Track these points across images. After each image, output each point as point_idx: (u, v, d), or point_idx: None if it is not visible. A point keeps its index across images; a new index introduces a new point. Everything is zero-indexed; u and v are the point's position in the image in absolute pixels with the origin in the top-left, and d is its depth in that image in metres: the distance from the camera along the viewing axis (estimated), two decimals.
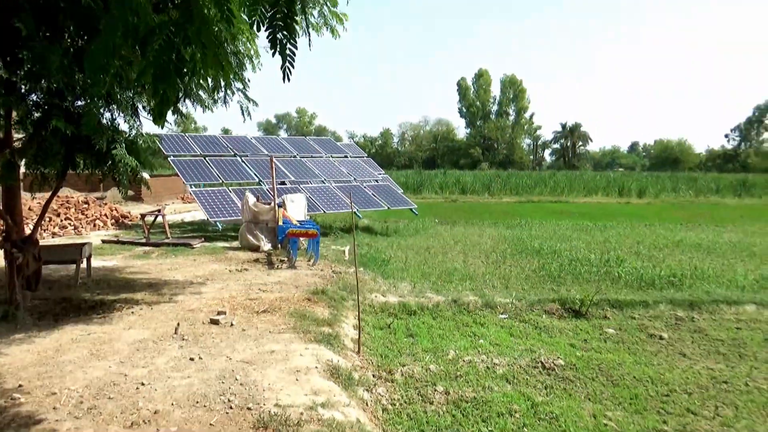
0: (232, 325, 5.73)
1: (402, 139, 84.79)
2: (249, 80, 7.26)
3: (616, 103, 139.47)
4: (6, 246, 6.05)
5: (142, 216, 12.59)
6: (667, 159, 78.03)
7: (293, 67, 2.53)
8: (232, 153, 15.48)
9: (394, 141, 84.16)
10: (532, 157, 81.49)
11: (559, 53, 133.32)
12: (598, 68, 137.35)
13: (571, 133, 77.49)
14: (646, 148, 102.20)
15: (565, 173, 47.58)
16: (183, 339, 5.26)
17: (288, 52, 2.47)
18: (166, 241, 11.62)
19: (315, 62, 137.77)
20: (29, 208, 13.21)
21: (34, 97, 5.43)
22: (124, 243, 11.69)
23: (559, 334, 6.59)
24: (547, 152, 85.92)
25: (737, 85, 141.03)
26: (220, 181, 14.04)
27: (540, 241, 13.12)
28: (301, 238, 9.86)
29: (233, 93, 7.12)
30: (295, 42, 2.52)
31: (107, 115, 5.71)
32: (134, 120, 6.00)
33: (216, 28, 2.51)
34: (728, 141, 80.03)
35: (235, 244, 11.59)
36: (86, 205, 15.36)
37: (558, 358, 5.60)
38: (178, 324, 5.60)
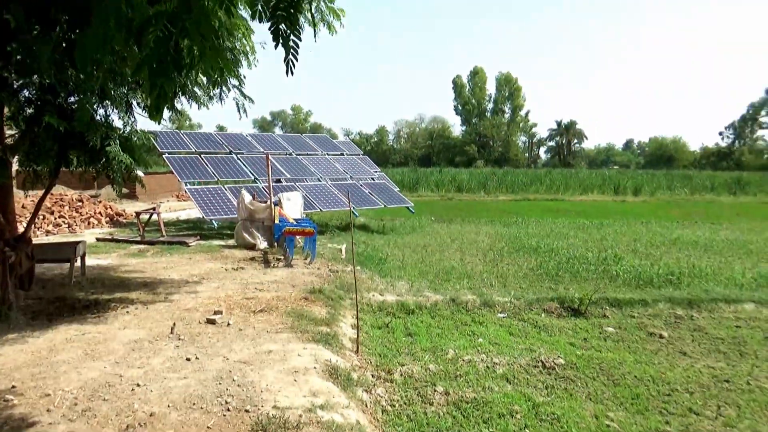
0: (228, 324, 5.65)
1: (397, 136, 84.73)
2: (245, 77, 7.19)
3: (611, 101, 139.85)
4: None
5: (137, 214, 12.48)
6: (662, 157, 78.28)
7: (296, 59, 2.45)
8: (228, 150, 15.38)
9: (389, 138, 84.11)
10: (527, 154, 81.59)
11: (555, 51, 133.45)
12: (594, 66, 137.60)
13: (567, 131, 77.61)
14: (641, 146, 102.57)
15: (561, 171, 47.66)
16: (179, 339, 5.18)
17: (291, 44, 2.39)
18: (162, 239, 11.52)
19: (310, 59, 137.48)
20: (23, 206, 13.07)
21: (26, 92, 5.33)
22: (118, 241, 11.58)
23: (558, 332, 6.55)
24: (542, 150, 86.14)
25: (732, 82, 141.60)
26: (216, 179, 13.93)
27: (537, 239, 13.10)
28: (298, 237, 9.78)
29: (229, 90, 7.02)
30: (299, 33, 2.44)
31: (101, 111, 5.62)
32: (128, 116, 5.90)
33: (215, 21, 2.42)
34: (722, 139, 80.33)
35: (231, 242, 11.50)
36: (80, 203, 15.22)
37: (558, 357, 5.56)
38: (174, 324, 5.53)
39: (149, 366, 4.48)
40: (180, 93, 5.58)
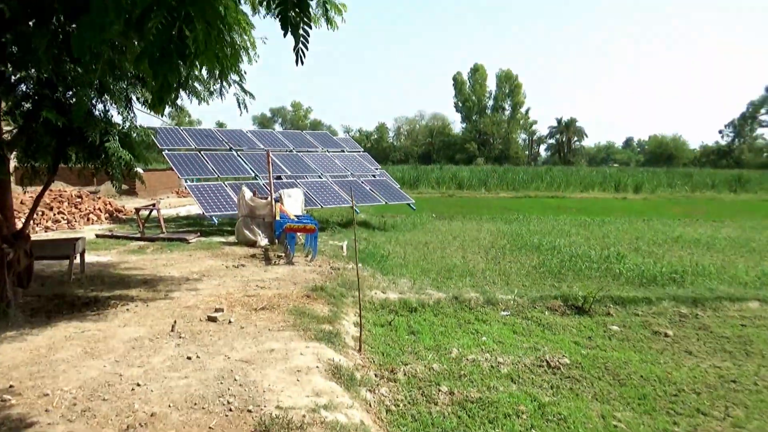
0: (230, 322, 5.58)
1: (397, 133, 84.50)
2: (245, 72, 7.10)
3: (611, 99, 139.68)
4: None
5: (137, 210, 12.39)
6: (662, 155, 78.09)
7: (307, 48, 2.35)
8: (228, 147, 15.29)
9: (389, 136, 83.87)
10: (527, 152, 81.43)
11: (555, 49, 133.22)
12: (594, 64, 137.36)
13: (567, 129, 77.41)
14: (641, 144, 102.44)
15: (562, 168, 47.56)
16: (180, 337, 5.11)
17: (301, 32, 2.28)
18: (161, 235, 11.44)
19: (310, 56, 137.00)
20: (21, 202, 12.99)
21: (23, 87, 5.24)
22: (118, 237, 11.50)
23: (562, 331, 6.49)
24: (542, 148, 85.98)
25: (732, 81, 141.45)
26: (216, 176, 13.85)
27: (539, 237, 13.03)
28: (299, 234, 9.71)
29: (230, 85, 6.94)
30: (309, 20, 2.33)
31: (100, 106, 5.52)
32: (128, 112, 5.81)
33: (221, 8, 2.31)
34: (722, 137, 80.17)
35: (231, 239, 11.43)
36: (80, 199, 15.13)
37: (563, 356, 5.49)
38: (175, 321, 5.46)
39: (150, 365, 4.41)
40: (185, 83, 5.45)
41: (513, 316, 7.00)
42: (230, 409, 3.64)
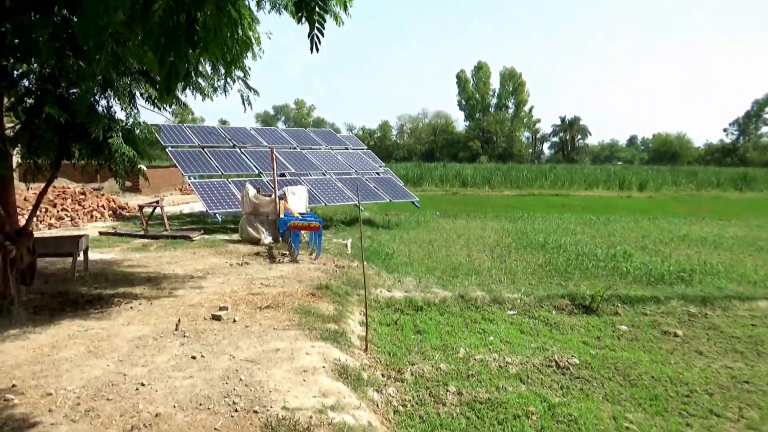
0: (234, 321, 5.52)
1: (401, 131, 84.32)
2: (250, 68, 7.03)
3: (614, 97, 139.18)
4: None
5: (140, 207, 12.35)
6: (666, 153, 77.76)
7: (322, 34, 2.26)
8: (231, 144, 15.22)
9: (392, 133, 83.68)
10: (530, 150, 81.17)
11: (559, 47, 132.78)
12: (598, 62, 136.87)
13: (570, 127, 77.13)
14: (645, 142, 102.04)
15: (566, 167, 47.40)
16: (184, 336, 5.05)
17: (317, 17, 2.19)
18: (165, 233, 11.39)
19: (313, 54, 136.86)
20: (24, 199, 12.94)
21: (26, 82, 5.18)
22: (122, 235, 11.45)
23: (570, 330, 6.42)
24: (545, 146, 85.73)
25: (736, 79, 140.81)
26: (219, 173, 13.78)
27: (544, 235, 12.94)
28: (303, 231, 9.64)
29: (234, 81, 6.87)
30: (326, 4, 2.23)
31: (103, 102, 5.47)
32: (131, 108, 5.74)
33: None
34: (727, 135, 79.80)
35: (235, 236, 11.37)
36: (83, 196, 15.09)
37: (572, 356, 5.42)
38: (179, 320, 5.39)
39: (154, 364, 4.35)
40: (192, 73, 5.31)
41: (520, 315, 6.92)
42: (236, 410, 3.58)
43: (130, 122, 5.84)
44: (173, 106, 7.17)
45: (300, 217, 9.95)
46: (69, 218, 13.36)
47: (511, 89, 76.20)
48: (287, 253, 9.37)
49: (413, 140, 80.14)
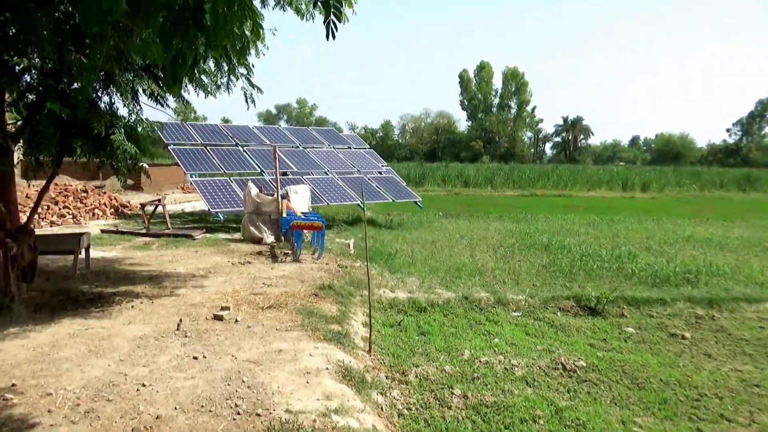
0: (236, 321, 5.45)
1: (403, 131, 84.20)
2: (253, 66, 6.96)
3: (617, 97, 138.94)
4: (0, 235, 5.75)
5: (142, 205, 12.29)
6: (669, 153, 77.60)
7: (339, 20, 2.17)
8: (234, 142, 15.15)
9: (394, 133, 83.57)
10: (533, 150, 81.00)
11: (562, 46, 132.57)
12: (600, 62, 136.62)
13: (573, 127, 77.00)
14: (647, 142, 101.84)
15: (568, 167, 47.25)
16: (186, 335, 4.99)
17: (332, 1, 2.10)
18: (167, 231, 11.33)
19: (316, 53, 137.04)
20: (26, 196, 12.90)
21: (27, 77, 5.12)
22: (123, 233, 11.40)
23: (576, 332, 6.34)
24: (548, 146, 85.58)
25: (739, 79, 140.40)
26: (222, 171, 13.72)
27: (548, 236, 12.86)
28: (306, 231, 9.58)
29: (237, 78, 6.81)
30: None
31: (105, 98, 5.40)
32: (134, 105, 5.68)
33: None
34: (730, 135, 79.63)
35: (237, 235, 11.31)
36: (85, 194, 15.05)
37: (579, 359, 5.34)
38: (181, 320, 5.33)
39: (155, 364, 4.29)
40: (201, 61, 5.13)
41: (524, 316, 6.85)
42: (238, 413, 3.51)
43: (133, 119, 5.78)
44: (176, 104, 7.10)
45: (303, 217, 9.88)
46: (71, 216, 13.31)
47: (513, 89, 76.06)
48: (289, 252, 9.30)
49: (415, 140, 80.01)
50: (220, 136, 15.29)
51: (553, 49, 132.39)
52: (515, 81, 75.77)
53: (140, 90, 5.64)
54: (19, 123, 5.52)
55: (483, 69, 76.47)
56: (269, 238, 10.70)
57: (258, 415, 3.49)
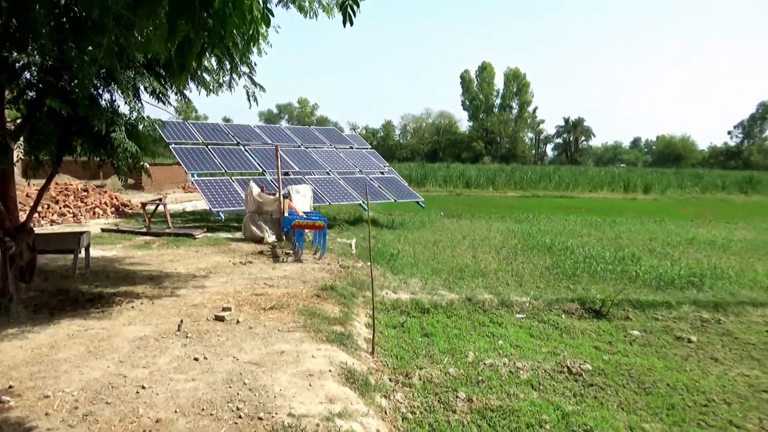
0: (238, 322, 5.39)
1: (404, 131, 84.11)
2: (255, 64, 6.90)
3: (618, 99, 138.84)
4: None
5: (143, 205, 12.24)
6: (670, 155, 77.48)
7: (357, 6, 2.09)
8: (235, 142, 15.09)
9: (395, 133, 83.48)
10: (534, 151, 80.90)
11: (564, 48, 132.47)
12: (602, 63, 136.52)
13: (574, 128, 76.89)
14: (648, 144, 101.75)
15: (570, 168, 47.17)
16: (186, 336, 4.92)
17: None
18: (168, 231, 11.27)
19: (317, 52, 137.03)
20: (27, 195, 12.84)
21: (27, 74, 5.05)
22: (124, 232, 11.34)
23: (581, 335, 6.27)
24: (549, 147, 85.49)
25: (741, 81, 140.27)
26: (223, 170, 13.65)
27: (550, 237, 12.78)
28: (307, 231, 9.51)
29: (239, 77, 6.75)
30: None
31: (106, 96, 5.34)
32: (135, 102, 5.61)
33: None
34: (731, 138, 79.52)
35: (238, 235, 11.25)
36: (85, 193, 14.99)
37: (584, 362, 5.27)
38: (181, 320, 5.27)
39: (155, 366, 4.22)
40: (208, 50, 4.99)
41: (529, 318, 6.78)
42: (240, 416, 3.44)
43: (134, 117, 5.71)
44: (177, 103, 7.04)
45: (304, 216, 9.82)
46: (71, 215, 13.26)
47: (515, 90, 76.00)
48: (291, 252, 9.23)
49: (416, 140, 79.92)
50: (221, 135, 15.22)
51: (554, 50, 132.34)
52: (517, 82, 75.69)
53: (142, 87, 5.57)
54: (18, 121, 5.45)
55: (485, 69, 76.40)
56: (270, 238, 10.64)
57: (260, 418, 3.42)
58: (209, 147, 14.29)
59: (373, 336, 5.30)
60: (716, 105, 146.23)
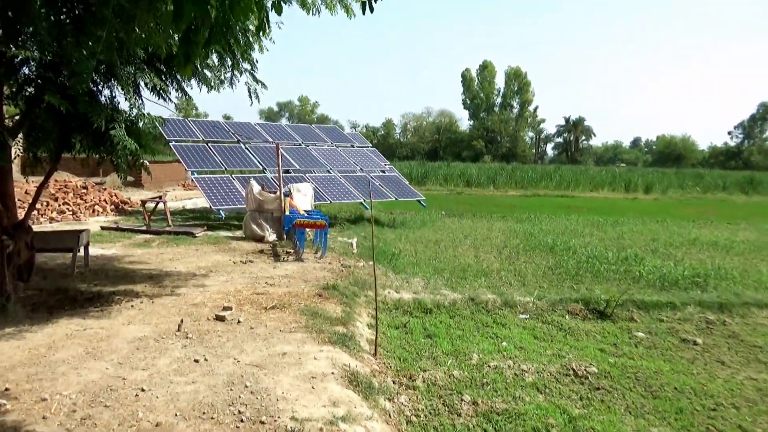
0: (239, 322, 5.31)
1: (404, 130, 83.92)
2: (257, 61, 6.81)
3: (619, 98, 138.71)
4: None
5: (143, 202, 12.15)
6: (670, 155, 77.36)
7: None
8: (236, 139, 14.99)
9: (396, 132, 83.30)
10: (534, 150, 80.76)
11: (565, 47, 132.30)
12: (603, 63, 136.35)
13: (575, 127, 76.74)
14: (649, 144, 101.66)
15: (570, 168, 47.05)
16: (186, 337, 4.85)
17: None
18: (168, 229, 11.18)
19: (318, 51, 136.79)
20: (26, 192, 12.76)
21: (26, 70, 4.97)
22: (123, 230, 11.25)
23: (585, 336, 6.20)
24: (549, 146, 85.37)
25: (741, 81, 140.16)
26: (223, 168, 13.55)
27: (552, 237, 12.71)
28: (308, 230, 9.43)
29: (241, 73, 6.66)
30: None
31: (106, 92, 5.25)
32: (136, 99, 5.52)
33: None
34: (731, 138, 79.42)
35: (239, 233, 11.17)
36: (85, 190, 14.89)
37: (590, 364, 5.20)
38: (182, 320, 5.19)
39: (155, 368, 4.14)
40: (215, 38, 4.88)
41: (532, 319, 6.71)
42: (242, 420, 3.37)
43: (134, 113, 5.62)
44: (177, 99, 6.94)
45: (305, 215, 9.74)
46: (71, 212, 13.17)
47: (516, 89, 75.79)
48: (292, 251, 9.16)
49: (417, 139, 79.72)
50: (221, 133, 15.12)
51: (555, 49, 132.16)
52: (518, 81, 75.49)
53: (142, 83, 5.48)
54: (17, 117, 5.36)
55: (485, 68, 76.17)
56: (271, 236, 10.56)
57: (262, 422, 3.35)
58: (209, 144, 14.19)
59: (376, 337, 5.23)
60: (716, 105, 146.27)
